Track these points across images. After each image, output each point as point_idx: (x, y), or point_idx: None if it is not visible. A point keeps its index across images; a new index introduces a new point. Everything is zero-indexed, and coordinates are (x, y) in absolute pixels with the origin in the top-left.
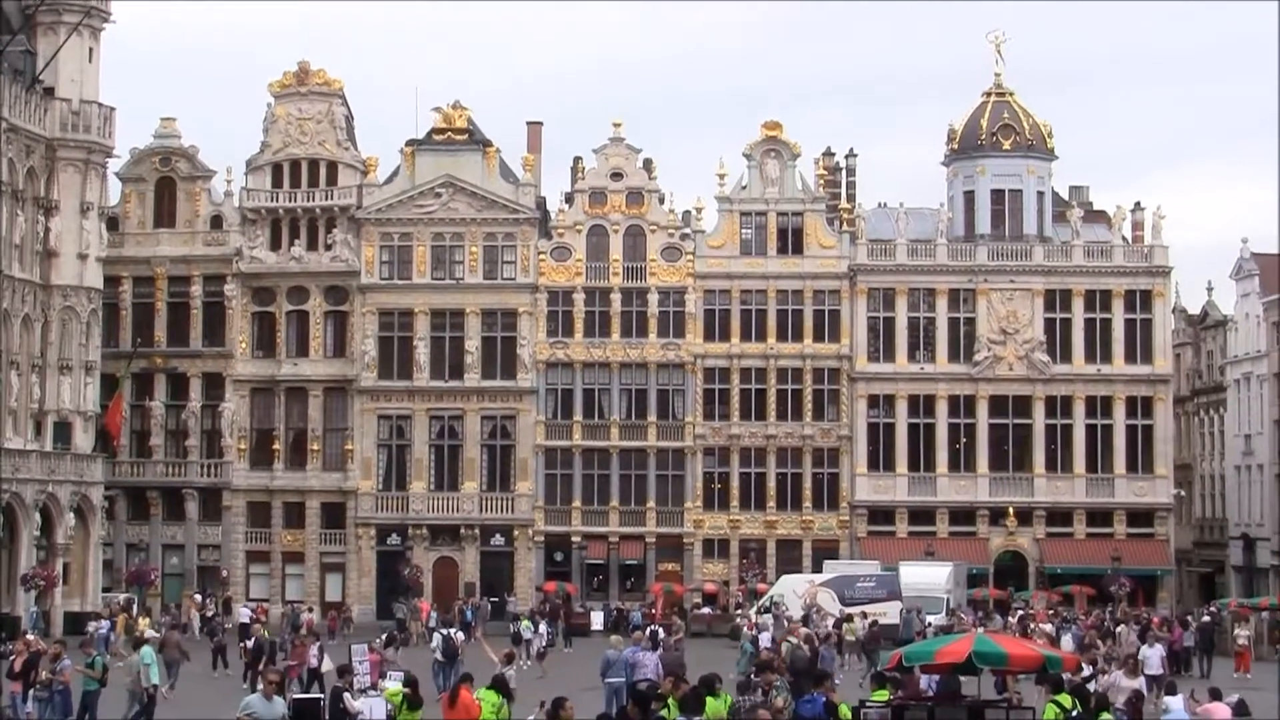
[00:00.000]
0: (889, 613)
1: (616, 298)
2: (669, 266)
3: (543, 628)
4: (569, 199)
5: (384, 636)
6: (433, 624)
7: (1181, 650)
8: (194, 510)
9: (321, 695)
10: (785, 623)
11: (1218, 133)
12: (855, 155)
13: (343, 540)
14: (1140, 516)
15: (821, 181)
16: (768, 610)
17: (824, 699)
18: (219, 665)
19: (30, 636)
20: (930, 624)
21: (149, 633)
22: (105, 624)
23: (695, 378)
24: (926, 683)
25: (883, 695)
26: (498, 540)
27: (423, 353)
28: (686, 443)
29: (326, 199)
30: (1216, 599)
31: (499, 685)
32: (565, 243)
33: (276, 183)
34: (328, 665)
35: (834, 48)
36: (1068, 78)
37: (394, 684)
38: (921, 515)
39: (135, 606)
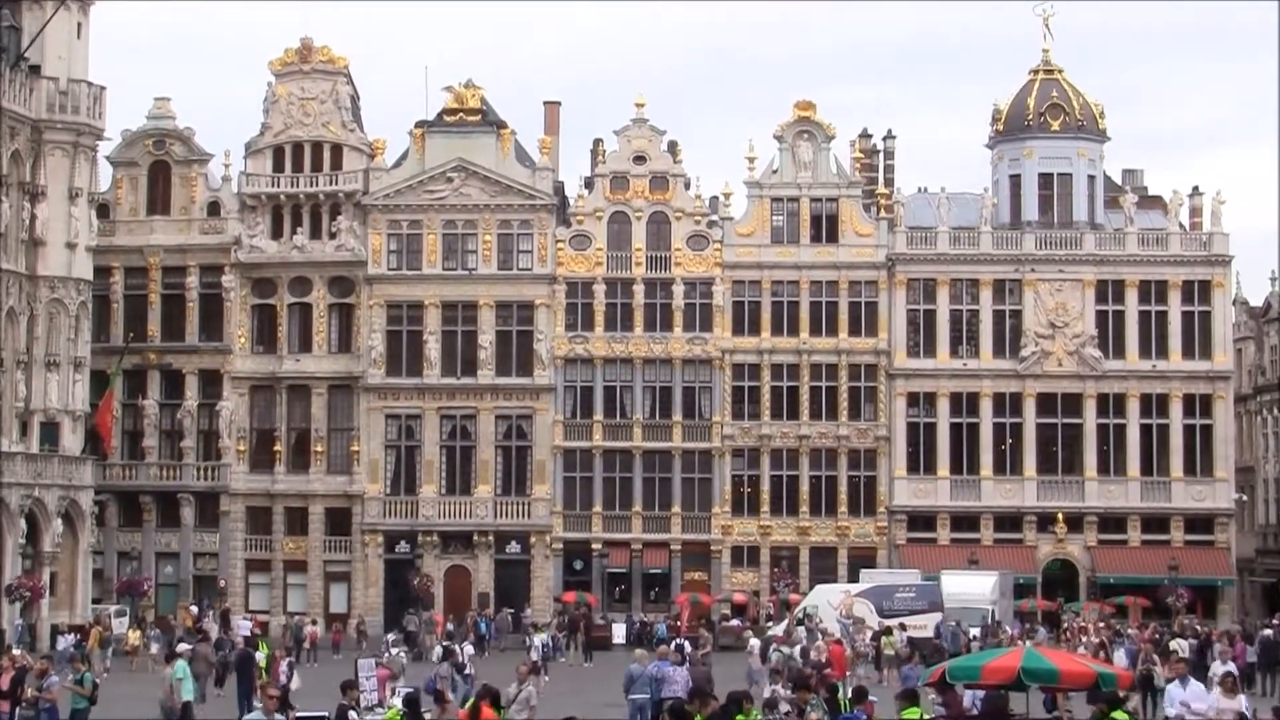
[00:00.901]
0: (929, 625)
1: (639, 289)
2: (695, 256)
3: (538, 639)
4: (589, 184)
5: (390, 638)
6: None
7: (1244, 667)
8: (190, 516)
9: (326, 715)
10: (820, 636)
11: None
12: (893, 137)
13: (348, 548)
14: (1199, 523)
15: (857, 165)
16: (800, 622)
17: (864, 717)
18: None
19: (15, 651)
20: (974, 637)
21: (181, 646)
22: (70, 639)
23: (723, 374)
24: (970, 700)
25: (914, 714)
26: (513, 548)
27: (433, 348)
28: (714, 444)
29: (331, 184)
30: None
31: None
32: (585, 231)
33: (278, 167)
34: (297, 683)
35: (871, 22)
36: (1120, 53)
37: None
38: (964, 521)
39: (113, 617)
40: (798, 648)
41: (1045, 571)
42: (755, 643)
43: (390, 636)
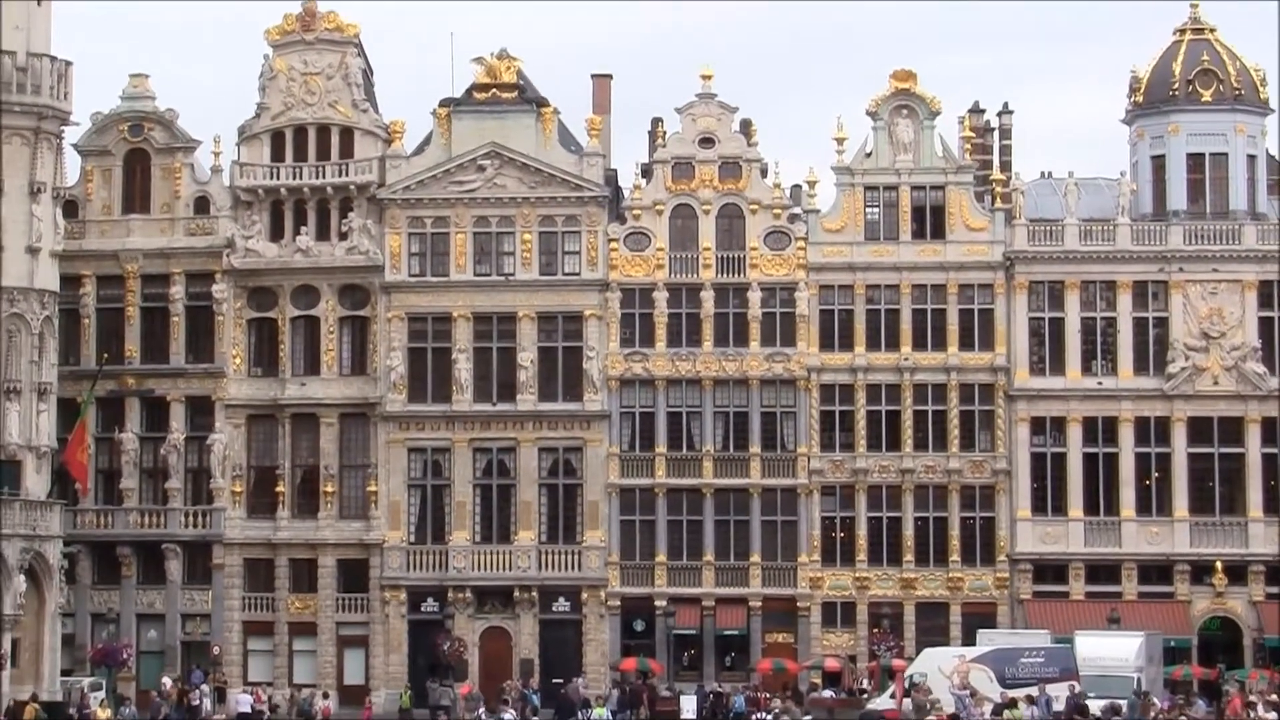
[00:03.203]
0: (1060, 696)
1: (708, 297)
2: (774, 256)
3: (595, 716)
4: (647, 172)
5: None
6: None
7: None
8: (177, 571)
9: None
10: (929, 709)
11: None
12: (1011, 112)
13: (365, 607)
14: None
15: (968, 146)
16: (906, 694)
17: None
18: None
19: None
20: (1116, 711)
21: None
22: None
23: (810, 397)
24: None
25: None
26: (561, 606)
27: (464, 369)
28: (799, 480)
29: (340, 175)
30: None
31: None
32: (643, 227)
33: (277, 155)
34: None
35: None
36: None
37: None
38: (1102, 571)
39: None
40: None
41: (1201, 632)
42: None
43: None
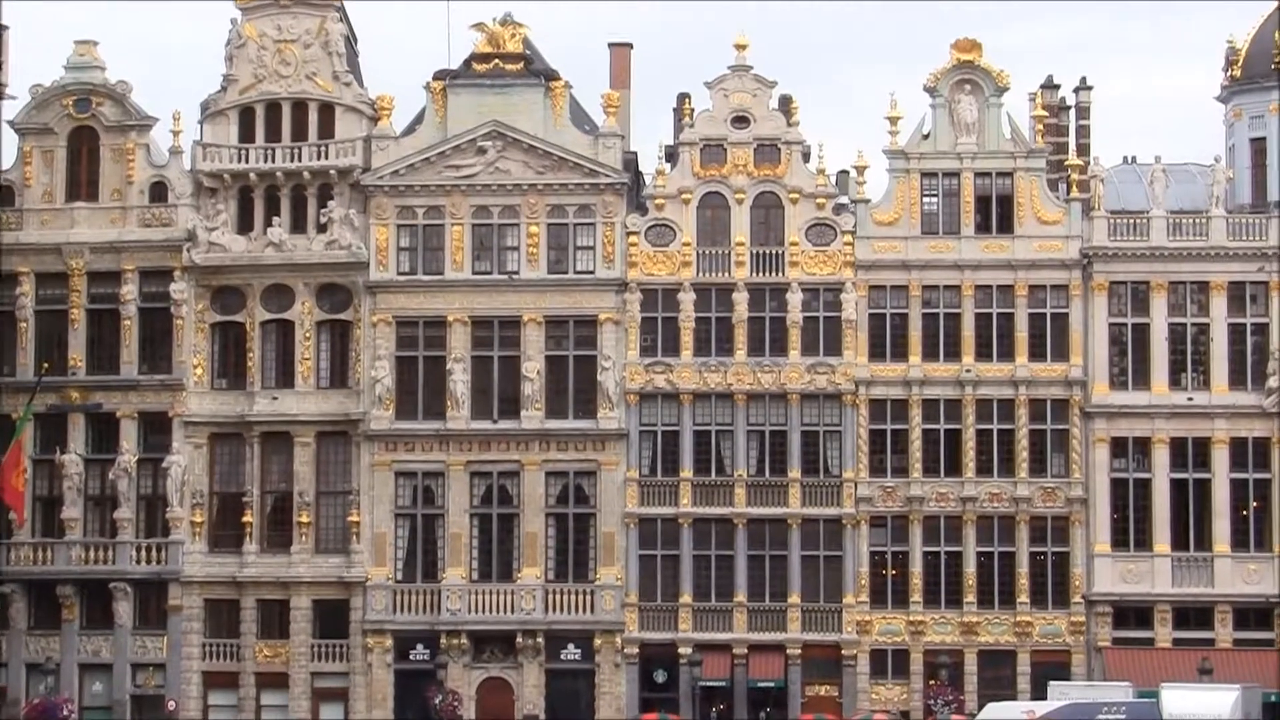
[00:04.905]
0: None
1: (742, 299)
2: (817, 253)
3: None
4: (671, 155)
5: None
6: None
7: None
8: (127, 613)
9: None
10: None
11: None
12: (1089, 88)
13: (345, 655)
14: None
15: (1040, 127)
16: None
17: None
18: None
19: None
20: None
21: None
22: None
23: (857, 414)
24: None
25: None
26: (571, 653)
27: (460, 381)
28: (845, 509)
29: (319, 158)
30: None
31: None
32: (666, 219)
33: (246, 135)
34: None
35: None
36: None
37: None
38: (1193, 615)
39: None
40: None
41: None
42: None
43: None
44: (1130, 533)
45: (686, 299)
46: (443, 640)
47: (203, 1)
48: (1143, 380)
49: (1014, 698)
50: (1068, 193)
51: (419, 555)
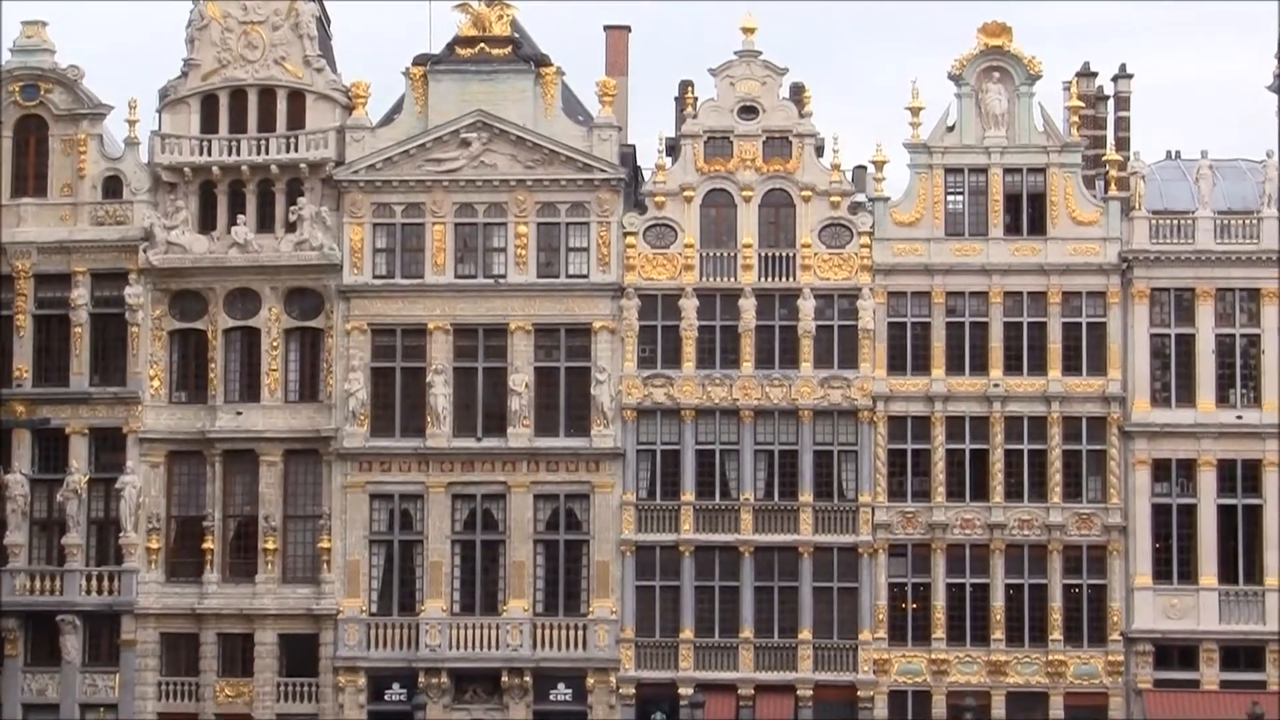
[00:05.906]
0: None
1: (749, 306)
2: (832, 255)
3: None
4: (673, 148)
5: None
6: None
7: None
8: (75, 649)
9: None
10: None
11: None
12: (1129, 76)
13: (314, 695)
14: None
15: (1075, 119)
16: None
17: None
18: None
19: None
20: None
21: None
22: None
23: (875, 432)
24: None
25: None
26: (561, 694)
27: (441, 394)
28: (862, 536)
29: (288, 150)
30: None
31: None
32: (667, 218)
33: (208, 125)
34: None
35: None
36: None
37: None
38: (1242, 655)
39: None
40: None
41: None
42: None
43: None
44: (1173, 564)
45: (688, 306)
46: (421, 679)
47: None
48: (1187, 397)
49: None
50: (1105, 191)
51: (395, 586)
